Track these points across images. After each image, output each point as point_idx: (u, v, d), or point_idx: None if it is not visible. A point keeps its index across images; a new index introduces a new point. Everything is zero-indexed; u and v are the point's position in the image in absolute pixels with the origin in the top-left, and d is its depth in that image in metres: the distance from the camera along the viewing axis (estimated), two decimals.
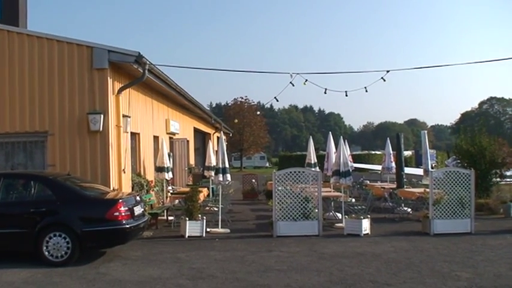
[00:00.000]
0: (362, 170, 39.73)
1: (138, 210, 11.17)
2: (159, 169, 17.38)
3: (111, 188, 13.13)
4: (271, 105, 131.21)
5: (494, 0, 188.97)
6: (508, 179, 21.22)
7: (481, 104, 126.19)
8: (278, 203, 13.66)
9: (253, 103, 75.50)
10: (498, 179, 20.69)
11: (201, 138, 33.72)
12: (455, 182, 14.01)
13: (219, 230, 14.49)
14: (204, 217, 13.97)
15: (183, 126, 24.64)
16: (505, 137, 27.49)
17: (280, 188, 13.83)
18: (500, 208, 17.78)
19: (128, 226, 10.45)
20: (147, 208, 14.28)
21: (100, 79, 13.62)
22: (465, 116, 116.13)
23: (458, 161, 21.31)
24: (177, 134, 22.70)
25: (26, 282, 9.04)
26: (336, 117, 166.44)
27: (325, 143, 20.97)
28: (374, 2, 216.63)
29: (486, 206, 18.32)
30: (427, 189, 14.74)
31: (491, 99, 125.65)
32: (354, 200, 19.97)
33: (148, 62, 14.09)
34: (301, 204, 13.62)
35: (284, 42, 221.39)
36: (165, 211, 16.64)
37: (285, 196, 13.72)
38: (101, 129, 13.40)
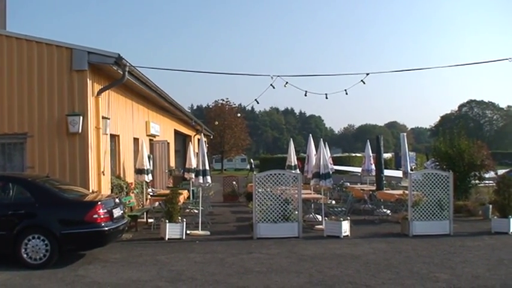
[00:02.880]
0: (342, 172, 39.80)
1: (117, 212, 11.11)
2: (139, 171, 17.31)
3: (90, 190, 13.04)
4: (252, 108, 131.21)
5: (475, 4, 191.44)
6: (487, 181, 21.42)
7: (461, 106, 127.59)
8: (258, 205, 13.68)
9: (234, 105, 75.50)
10: (477, 181, 20.90)
11: (182, 140, 33.63)
12: (434, 184, 14.15)
13: (199, 232, 14.47)
14: (184, 219, 13.96)
15: (164, 128, 24.56)
16: (484, 139, 27.86)
17: (260, 190, 13.86)
18: (478, 210, 17.96)
19: (106, 228, 10.40)
20: (126, 210, 14.20)
21: (79, 81, 13.52)
22: (445, 119, 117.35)
23: (437, 163, 21.52)
24: (158, 136, 22.61)
25: (4, 285, 8.96)
26: (316, 120, 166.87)
27: (305, 146, 21.05)
28: (354, 4, 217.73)
29: (465, 208, 18.52)
30: (406, 191, 14.87)
31: (470, 102, 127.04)
32: (334, 202, 20.06)
33: (128, 64, 14.03)
34: (281, 206, 13.66)
35: (265, 45, 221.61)
36: (145, 213, 16.58)
37: (265, 198, 13.75)
38: (80, 131, 13.30)
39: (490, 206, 17.00)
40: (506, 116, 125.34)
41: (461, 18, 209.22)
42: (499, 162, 46.17)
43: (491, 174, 21.70)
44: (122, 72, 14.09)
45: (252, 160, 66.59)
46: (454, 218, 14.48)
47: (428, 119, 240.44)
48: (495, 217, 14.85)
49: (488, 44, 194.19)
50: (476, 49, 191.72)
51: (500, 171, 23.19)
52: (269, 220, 13.59)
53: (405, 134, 22.95)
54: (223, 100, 74.71)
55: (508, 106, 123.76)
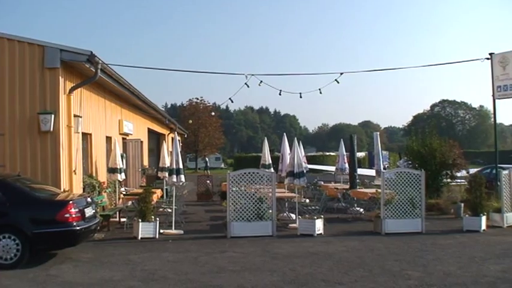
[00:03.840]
0: (316, 171, 40.00)
1: (89, 211, 11.02)
2: (112, 170, 17.16)
3: (62, 190, 12.91)
4: (226, 106, 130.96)
5: (447, 3, 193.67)
6: (459, 180, 21.71)
7: (433, 106, 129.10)
8: (232, 203, 13.67)
9: (208, 104, 75.31)
10: (449, 180, 21.17)
11: (156, 139, 33.46)
12: (406, 182, 14.30)
13: (173, 231, 14.41)
14: (157, 218, 13.89)
15: (137, 127, 24.41)
16: (456, 139, 28.21)
17: (234, 189, 13.84)
18: (450, 208, 18.19)
19: (78, 228, 10.31)
20: (98, 210, 14.11)
21: (51, 78, 13.37)
22: (417, 118, 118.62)
23: (410, 162, 21.74)
24: (131, 134, 22.48)
25: None
26: (291, 119, 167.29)
27: (280, 145, 21.11)
28: (328, 4, 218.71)
29: (437, 206, 18.74)
30: (379, 190, 14.99)
31: (443, 101, 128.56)
32: (307, 200, 20.14)
33: (100, 61, 13.93)
34: (255, 205, 13.67)
35: (240, 44, 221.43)
36: (118, 213, 16.46)
37: (239, 197, 13.75)
38: (52, 129, 13.16)
39: (462, 204, 17.25)
40: (479, 115, 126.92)
41: (436, 18, 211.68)
42: (471, 161, 46.70)
43: (463, 173, 22.01)
44: (94, 70, 13.99)
45: (207, 158, 66.35)
46: (426, 216, 14.67)
47: (401, 119, 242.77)
48: (467, 215, 15.05)
49: (462, 44, 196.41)
50: (450, 49, 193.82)
51: (472, 170, 23.54)
52: (243, 219, 13.59)
53: (378, 133, 23.17)
54: (197, 99, 74.51)
55: (480, 106, 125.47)
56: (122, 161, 18.12)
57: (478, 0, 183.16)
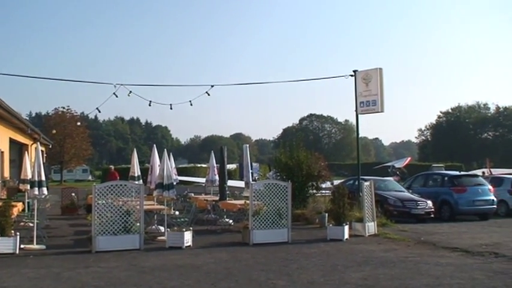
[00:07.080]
0: (187, 182, 39.98)
1: None
2: None
3: None
4: (95, 117, 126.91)
5: (316, 20, 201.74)
6: (324, 191, 22.49)
7: (302, 120, 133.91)
8: (98, 217, 13.25)
9: (76, 113, 72.83)
10: (314, 191, 21.90)
11: (18, 149, 31.83)
12: (274, 193, 14.60)
13: (34, 246, 13.71)
14: (18, 233, 13.16)
15: None
16: (322, 151, 29.41)
17: (100, 202, 13.43)
18: (316, 218, 18.78)
19: None
20: None
21: None
22: (286, 131, 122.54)
23: (278, 173, 22.24)
24: None
25: None
26: (163, 130, 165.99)
27: (150, 156, 20.87)
28: (203, 16, 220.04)
29: (303, 216, 19.31)
30: (248, 201, 15.18)
31: (311, 115, 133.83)
32: (177, 212, 19.99)
33: None
34: (122, 218, 13.34)
35: (109, 53, 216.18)
36: None
37: (105, 210, 13.35)
38: None
39: (326, 214, 17.85)
40: (344, 129, 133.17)
41: (305, 34, 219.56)
42: (337, 173, 48.81)
43: (328, 184, 22.86)
44: None
45: None
46: (292, 226, 15.02)
47: (272, 131, 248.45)
48: (331, 225, 15.66)
49: (330, 61, 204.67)
50: (319, 65, 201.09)
51: (336, 182, 24.55)
52: (109, 233, 13.21)
53: (248, 145, 23.54)
54: (63, 108, 71.90)
55: (346, 120, 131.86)
56: None
57: (345, 24, 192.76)
